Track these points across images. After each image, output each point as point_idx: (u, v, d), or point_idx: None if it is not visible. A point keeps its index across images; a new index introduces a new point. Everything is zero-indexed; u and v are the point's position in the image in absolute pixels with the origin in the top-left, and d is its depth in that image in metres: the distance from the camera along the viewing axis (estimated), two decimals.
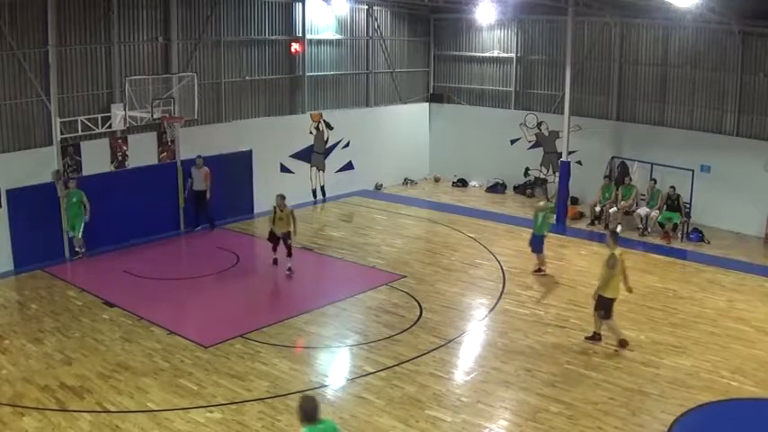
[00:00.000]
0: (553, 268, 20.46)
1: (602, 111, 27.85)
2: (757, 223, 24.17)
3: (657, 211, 24.32)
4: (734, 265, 20.99)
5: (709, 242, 23.56)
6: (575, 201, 26.87)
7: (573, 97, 25.42)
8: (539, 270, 20.15)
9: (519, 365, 14.17)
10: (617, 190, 25.40)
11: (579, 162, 26.57)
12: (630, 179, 25.61)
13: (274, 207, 19.81)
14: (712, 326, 16.49)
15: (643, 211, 24.66)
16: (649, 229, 24.37)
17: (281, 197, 19.84)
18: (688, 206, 24.44)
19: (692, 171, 24.40)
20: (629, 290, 15.35)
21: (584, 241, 23.49)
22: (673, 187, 24.23)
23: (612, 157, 27.04)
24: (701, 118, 25.91)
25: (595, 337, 15.36)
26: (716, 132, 25.44)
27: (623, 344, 15.00)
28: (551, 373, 13.88)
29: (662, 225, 24.09)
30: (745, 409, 12.87)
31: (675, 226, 24.12)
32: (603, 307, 14.93)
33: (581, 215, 26.10)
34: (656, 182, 24.91)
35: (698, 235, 23.97)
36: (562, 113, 25.65)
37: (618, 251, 15.16)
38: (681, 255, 22.38)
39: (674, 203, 24.21)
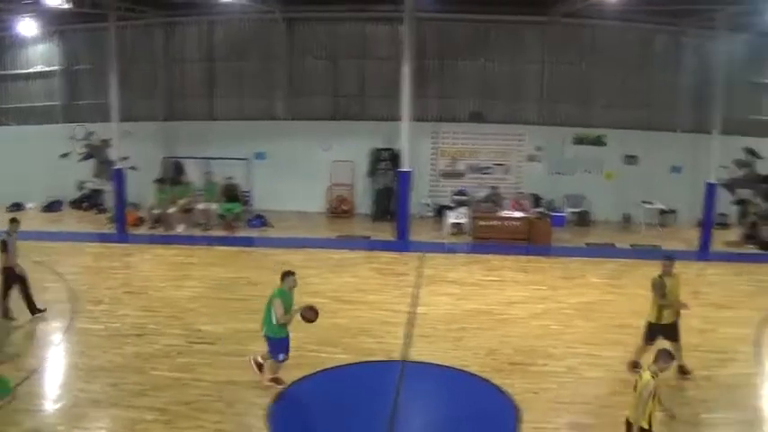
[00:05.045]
0: (121, 277, 19.95)
1: (152, 113, 27.82)
2: (317, 200, 25.72)
3: (217, 204, 24.80)
4: (301, 243, 22.09)
5: (273, 226, 24.55)
6: (133, 206, 26.28)
7: (121, 103, 24.81)
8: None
9: (105, 382, 13.52)
10: (173, 189, 25.42)
11: (133, 167, 25.90)
12: (186, 177, 25.82)
13: (660, 278, 13.70)
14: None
15: (202, 206, 24.98)
16: (211, 223, 24.79)
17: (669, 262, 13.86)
18: (247, 194, 25.23)
19: (247, 160, 25.26)
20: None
21: (148, 246, 23.30)
22: (229, 178, 24.91)
23: (165, 158, 27.06)
24: (251, 107, 27.01)
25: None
26: (268, 119, 26.67)
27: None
28: (138, 382, 13.44)
29: (223, 217, 24.65)
30: (338, 377, 13.64)
31: (237, 215, 24.77)
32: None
33: (141, 220, 25.81)
34: (211, 175, 25.38)
35: (261, 220, 24.93)
36: (111, 121, 24.95)
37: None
38: (247, 242, 23.12)
39: (232, 194, 24.83)
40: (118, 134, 24.76)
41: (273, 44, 27.06)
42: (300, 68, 27.33)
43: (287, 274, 12.82)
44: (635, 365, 13.61)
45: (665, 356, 9.66)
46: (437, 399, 13.16)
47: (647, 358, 10.97)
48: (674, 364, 13.19)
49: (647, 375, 9.47)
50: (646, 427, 9.43)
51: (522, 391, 12.93)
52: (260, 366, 13.17)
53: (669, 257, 13.82)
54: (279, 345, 12.78)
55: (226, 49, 27.47)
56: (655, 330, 13.51)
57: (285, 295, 12.63)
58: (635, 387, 9.59)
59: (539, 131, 27.69)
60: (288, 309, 12.59)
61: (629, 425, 9.62)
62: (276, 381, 13.04)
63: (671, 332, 13.39)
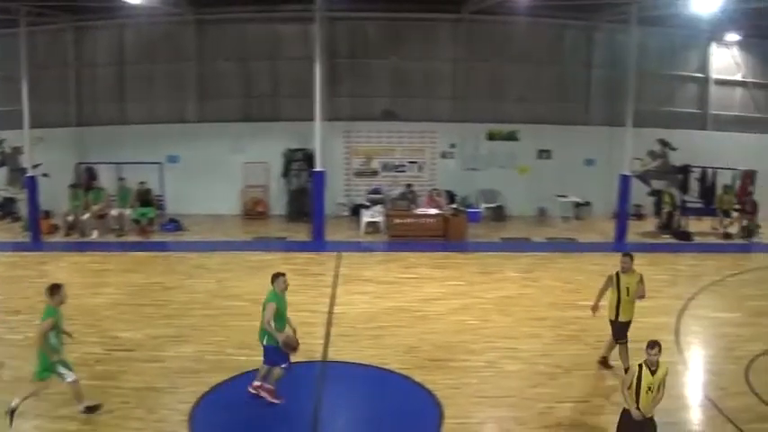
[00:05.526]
0: (37, 286, 19.43)
1: (63, 119, 27.41)
2: (232, 202, 25.67)
3: (130, 209, 24.61)
4: (216, 246, 22.04)
5: (188, 229, 24.44)
6: (47, 214, 25.78)
7: (32, 110, 24.31)
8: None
9: (26, 393, 13.36)
10: (86, 195, 25.08)
11: (46, 174, 25.43)
12: (98, 182, 25.55)
13: (615, 275, 13.59)
14: (207, 308, 17.29)
15: (116, 211, 24.77)
16: (126, 229, 24.59)
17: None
18: (161, 198, 25.03)
19: (160, 164, 25.05)
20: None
21: (63, 253, 23.02)
22: (142, 183, 24.69)
23: (78, 164, 26.67)
24: (163, 110, 26.84)
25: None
26: (179, 122, 26.52)
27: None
28: (60, 392, 13.23)
29: (137, 222, 24.49)
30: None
31: (151, 220, 24.63)
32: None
33: (55, 228, 25.41)
34: (124, 180, 25.13)
35: (175, 225, 24.80)
36: (22, 128, 24.44)
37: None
38: (162, 247, 23.03)
39: (145, 198, 24.65)
40: (30, 141, 24.30)
41: (183, 46, 26.92)
42: (211, 70, 27.25)
43: (277, 276, 12.47)
44: (624, 370, 13.49)
45: (651, 345, 10.03)
46: (359, 398, 13.31)
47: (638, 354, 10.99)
48: (605, 355, 14.07)
49: (634, 365, 10.01)
50: (640, 414, 9.90)
51: (443, 387, 13.14)
52: (268, 391, 12.71)
53: (627, 253, 13.69)
54: (277, 352, 12.29)
55: (136, 52, 27.22)
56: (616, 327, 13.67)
57: (278, 299, 12.30)
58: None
59: (452, 128, 28.13)
60: (282, 312, 12.29)
61: None
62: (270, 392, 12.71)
63: (622, 329, 13.60)
